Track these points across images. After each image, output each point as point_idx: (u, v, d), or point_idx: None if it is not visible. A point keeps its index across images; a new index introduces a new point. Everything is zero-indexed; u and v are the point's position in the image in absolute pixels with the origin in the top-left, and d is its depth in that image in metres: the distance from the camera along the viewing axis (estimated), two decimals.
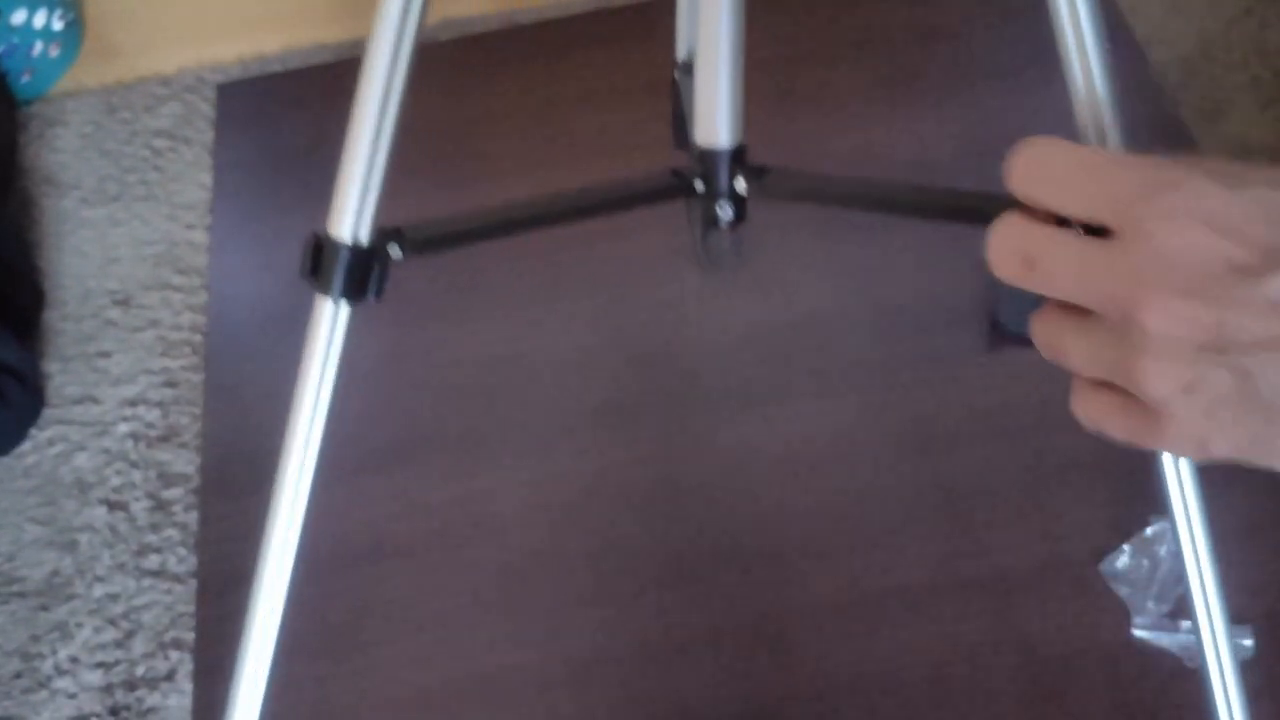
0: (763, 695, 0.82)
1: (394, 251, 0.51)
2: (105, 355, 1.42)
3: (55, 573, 1.28)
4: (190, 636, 1.17)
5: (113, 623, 1.24)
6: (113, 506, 1.31)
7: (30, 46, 1.63)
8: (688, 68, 0.53)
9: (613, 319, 0.97)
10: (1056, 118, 1.08)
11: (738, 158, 0.51)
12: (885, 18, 1.16)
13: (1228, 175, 0.31)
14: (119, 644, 1.23)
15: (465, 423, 0.94)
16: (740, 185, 0.51)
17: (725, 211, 0.51)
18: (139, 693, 1.20)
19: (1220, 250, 0.30)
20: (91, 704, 1.20)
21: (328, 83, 1.17)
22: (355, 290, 0.51)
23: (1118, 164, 0.33)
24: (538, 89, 1.13)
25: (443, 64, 1.17)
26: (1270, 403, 0.31)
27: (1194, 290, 0.30)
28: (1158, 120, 1.06)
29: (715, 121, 0.49)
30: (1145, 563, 0.85)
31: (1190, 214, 0.30)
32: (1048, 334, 0.36)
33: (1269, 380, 0.31)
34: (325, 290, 0.52)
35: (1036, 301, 0.38)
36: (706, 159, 0.51)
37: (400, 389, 0.97)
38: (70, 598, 1.26)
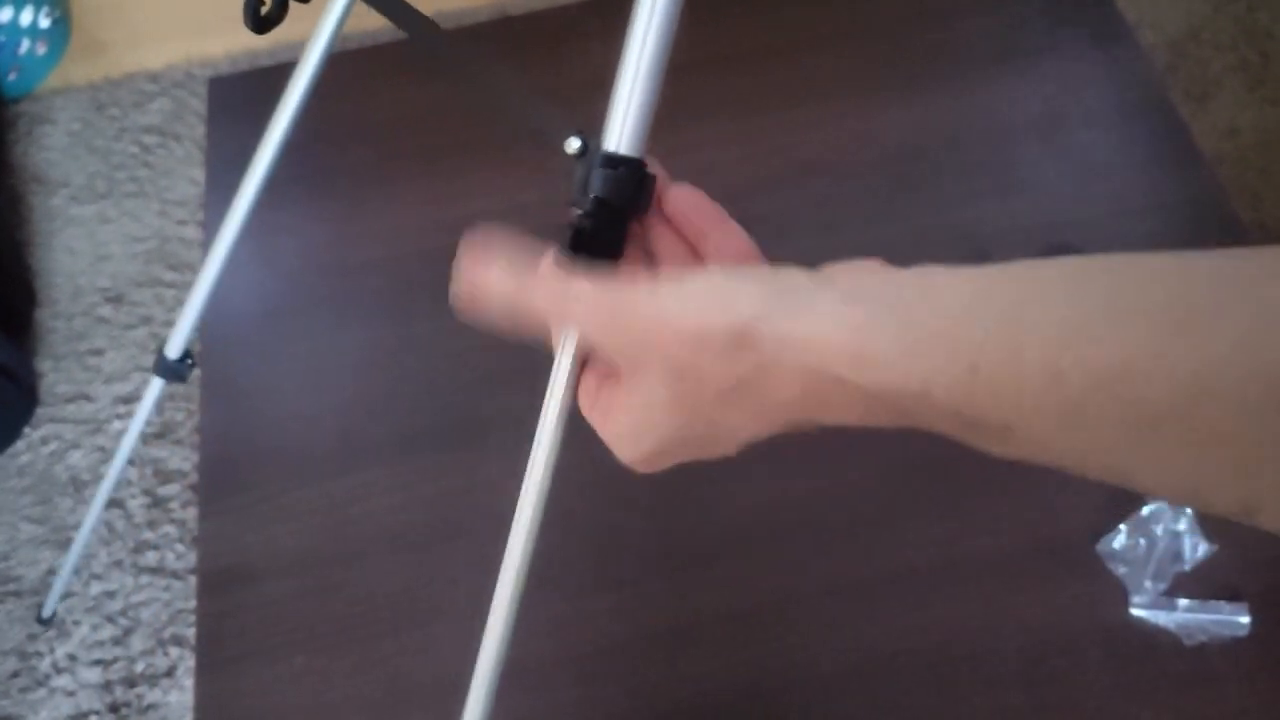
0: (766, 679, 0.82)
1: None
2: (98, 353, 1.41)
3: (51, 571, 1.27)
4: (189, 633, 1.16)
5: (111, 620, 1.24)
6: (109, 504, 1.31)
7: (17, 44, 1.61)
8: None
9: None
10: (1045, 102, 1.09)
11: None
12: (875, 5, 1.17)
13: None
14: (117, 641, 1.23)
15: (467, 413, 0.94)
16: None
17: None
18: (139, 689, 1.19)
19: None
20: (91, 701, 1.19)
21: (318, 76, 1.17)
22: None
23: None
24: (528, 80, 1.13)
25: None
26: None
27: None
28: (1147, 103, 1.07)
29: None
30: (1142, 542, 0.85)
31: None
32: None
33: None
34: None
35: None
36: None
37: (402, 380, 0.97)
38: (67, 595, 1.26)
